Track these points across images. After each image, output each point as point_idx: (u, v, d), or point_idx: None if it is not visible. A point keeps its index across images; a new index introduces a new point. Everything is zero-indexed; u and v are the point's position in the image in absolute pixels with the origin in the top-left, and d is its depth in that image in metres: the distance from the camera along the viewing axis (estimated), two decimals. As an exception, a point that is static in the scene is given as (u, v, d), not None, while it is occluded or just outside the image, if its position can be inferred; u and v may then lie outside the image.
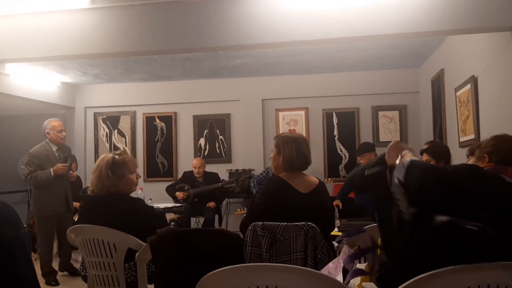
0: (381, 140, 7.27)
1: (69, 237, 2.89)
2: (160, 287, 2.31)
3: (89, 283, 2.89)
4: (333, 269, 2.02)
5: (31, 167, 4.94)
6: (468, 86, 4.68)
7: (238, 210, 6.56)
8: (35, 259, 6.35)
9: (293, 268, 1.71)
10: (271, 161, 2.87)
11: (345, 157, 7.41)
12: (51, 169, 4.91)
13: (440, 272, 1.60)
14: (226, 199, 7.11)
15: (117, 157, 2.92)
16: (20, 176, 7.50)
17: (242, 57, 6.29)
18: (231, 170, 7.54)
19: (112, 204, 2.85)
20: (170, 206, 6.15)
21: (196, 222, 6.99)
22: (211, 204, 6.49)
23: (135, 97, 7.87)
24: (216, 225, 6.61)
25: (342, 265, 1.93)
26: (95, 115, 8.02)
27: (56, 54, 4.37)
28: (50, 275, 5.09)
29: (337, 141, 7.46)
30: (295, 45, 4.78)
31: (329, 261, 2.24)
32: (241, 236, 2.61)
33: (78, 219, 2.93)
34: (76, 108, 7.98)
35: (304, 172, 2.82)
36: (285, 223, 2.42)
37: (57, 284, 5.10)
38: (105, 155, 3.00)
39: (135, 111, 7.95)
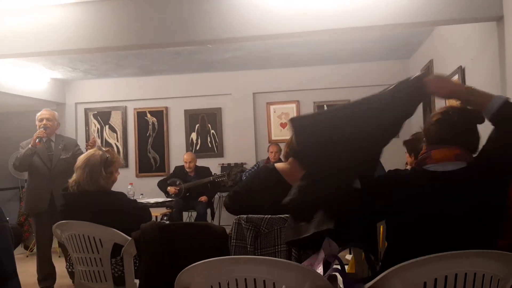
0: (372, 132, 7.27)
1: (55, 233, 2.89)
2: (145, 282, 2.32)
3: (76, 279, 2.90)
4: (316, 261, 2.02)
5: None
6: (456, 76, 4.69)
7: (230, 204, 6.54)
8: (27, 256, 6.34)
9: (272, 261, 1.71)
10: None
11: (337, 150, 7.41)
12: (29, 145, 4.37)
13: (423, 260, 1.61)
14: (218, 193, 7.10)
15: (108, 155, 3.00)
16: (12, 174, 7.47)
17: (232, 51, 6.27)
18: (223, 164, 7.54)
19: (96, 199, 2.86)
20: (162, 201, 6.15)
21: (188, 217, 6.99)
22: (203, 198, 6.49)
23: (125, 92, 7.84)
24: (209, 219, 6.61)
25: (323, 257, 1.93)
26: (86, 111, 7.99)
27: (44, 50, 4.36)
28: (44, 282, 4.46)
29: (328, 134, 7.46)
30: (283, 38, 4.77)
31: (313, 254, 2.24)
32: (227, 230, 2.62)
33: (59, 218, 2.91)
34: (67, 104, 7.94)
35: None
36: (269, 216, 2.42)
37: None
38: (93, 151, 3.02)
39: (126, 106, 7.92)
